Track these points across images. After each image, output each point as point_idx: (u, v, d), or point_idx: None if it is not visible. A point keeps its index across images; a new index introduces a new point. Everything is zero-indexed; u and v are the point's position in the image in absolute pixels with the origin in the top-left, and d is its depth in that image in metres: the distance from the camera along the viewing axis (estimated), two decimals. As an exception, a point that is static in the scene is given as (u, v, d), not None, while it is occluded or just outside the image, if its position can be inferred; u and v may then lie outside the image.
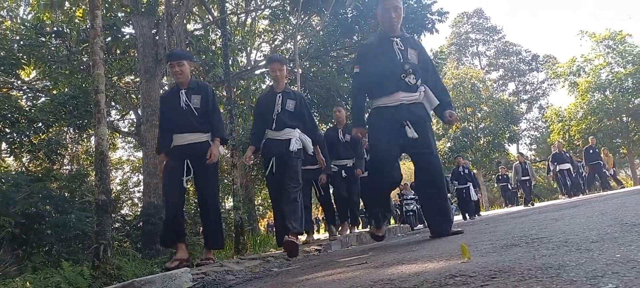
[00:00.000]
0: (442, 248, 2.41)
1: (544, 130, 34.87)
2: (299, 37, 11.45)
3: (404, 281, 1.31)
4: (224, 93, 7.69)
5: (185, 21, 8.08)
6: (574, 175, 12.91)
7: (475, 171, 21.56)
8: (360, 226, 9.79)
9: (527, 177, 13.18)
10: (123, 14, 8.71)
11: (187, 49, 7.89)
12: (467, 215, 11.33)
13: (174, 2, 6.90)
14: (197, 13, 11.08)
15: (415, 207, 13.59)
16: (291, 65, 9.55)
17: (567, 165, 12.88)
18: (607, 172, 13.48)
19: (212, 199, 3.72)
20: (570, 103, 26.02)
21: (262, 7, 12.69)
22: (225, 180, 11.64)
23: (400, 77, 3.19)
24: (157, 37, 7.21)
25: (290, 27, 12.94)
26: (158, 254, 5.34)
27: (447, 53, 39.13)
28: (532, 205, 12.62)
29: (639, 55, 23.06)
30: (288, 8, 11.74)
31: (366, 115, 3.59)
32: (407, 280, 1.33)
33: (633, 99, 22.96)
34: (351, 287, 1.39)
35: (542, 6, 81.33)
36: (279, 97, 4.03)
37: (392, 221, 19.77)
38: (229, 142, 4.37)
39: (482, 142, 28.55)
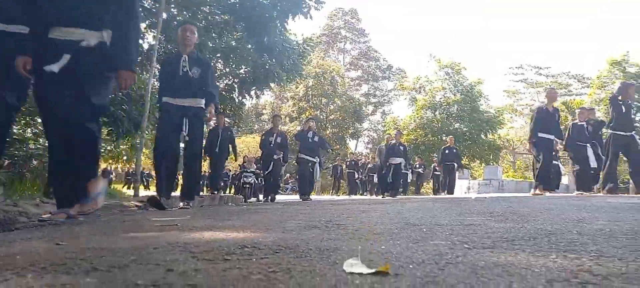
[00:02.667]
0: (257, 220, 2.51)
1: (381, 133, 38.62)
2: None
3: (197, 246, 1.33)
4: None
5: None
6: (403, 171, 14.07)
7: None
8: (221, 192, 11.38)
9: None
10: None
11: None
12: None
13: None
14: None
15: (253, 181, 13.84)
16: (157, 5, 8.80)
17: (399, 160, 13.78)
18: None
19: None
20: (407, 115, 29.32)
21: None
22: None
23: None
24: None
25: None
26: None
27: (317, 42, 40.58)
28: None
29: (468, 87, 27.06)
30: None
31: None
32: (200, 246, 1.35)
33: (454, 123, 26.85)
34: (133, 247, 1.35)
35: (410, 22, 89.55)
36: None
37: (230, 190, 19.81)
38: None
39: (328, 132, 30.34)
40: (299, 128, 29.80)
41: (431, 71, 29.16)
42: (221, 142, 8.62)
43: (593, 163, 8.06)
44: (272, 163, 9.19)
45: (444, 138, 27.03)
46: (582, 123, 8.62)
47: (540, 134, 7.83)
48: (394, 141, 12.39)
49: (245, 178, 12.91)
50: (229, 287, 0.79)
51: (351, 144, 36.23)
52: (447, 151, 14.05)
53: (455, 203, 4.51)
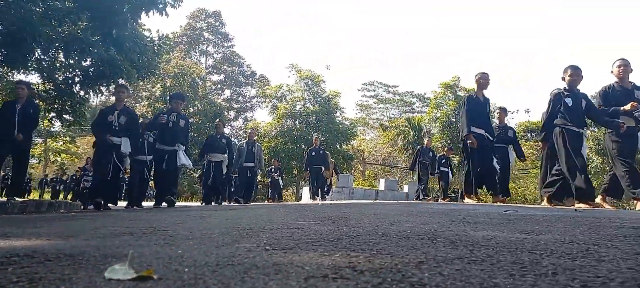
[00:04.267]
0: (70, 228, 2.25)
1: (242, 138, 38.48)
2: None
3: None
4: None
5: None
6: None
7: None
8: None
9: None
10: None
11: None
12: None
13: None
14: None
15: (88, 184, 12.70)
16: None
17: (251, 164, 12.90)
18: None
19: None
20: (268, 122, 29.69)
21: None
22: None
23: None
24: None
25: None
26: None
27: (177, 42, 38.68)
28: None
29: (326, 99, 28.53)
30: None
31: None
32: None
33: (312, 132, 28.06)
34: None
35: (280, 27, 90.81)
36: None
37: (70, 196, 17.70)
38: None
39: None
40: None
41: (292, 80, 30.03)
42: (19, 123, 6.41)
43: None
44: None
45: (302, 146, 27.98)
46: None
47: (473, 129, 6.47)
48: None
49: (85, 183, 11.77)
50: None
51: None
52: (313, 153, 12.40)
53: (299, 209, 4.66)
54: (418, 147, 13.95)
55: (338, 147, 27.73)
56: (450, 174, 13.45)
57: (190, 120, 30.50)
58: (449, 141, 28.33)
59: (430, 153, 12.85)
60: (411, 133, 32.70)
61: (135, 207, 7.05)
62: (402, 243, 1.53)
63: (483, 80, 6.78)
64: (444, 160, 13.15)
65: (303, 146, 28.28)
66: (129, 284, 0.78)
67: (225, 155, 9.56)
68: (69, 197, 17.32)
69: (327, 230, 2.10)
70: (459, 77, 29.45)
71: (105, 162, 6.23)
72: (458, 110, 8.57)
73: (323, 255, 1.20)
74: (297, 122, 28.39)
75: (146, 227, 2.23)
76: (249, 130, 12.61)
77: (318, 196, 12.27)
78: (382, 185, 19.59)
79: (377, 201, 12.82)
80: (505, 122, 8.90)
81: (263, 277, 0.85)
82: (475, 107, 6.63)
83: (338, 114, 29.67)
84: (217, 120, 9.18)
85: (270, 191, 17.50)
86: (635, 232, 1.98)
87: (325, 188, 13.45)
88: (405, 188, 19.95)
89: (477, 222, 2.80)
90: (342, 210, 4.32)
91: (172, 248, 1.36)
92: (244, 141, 10.88)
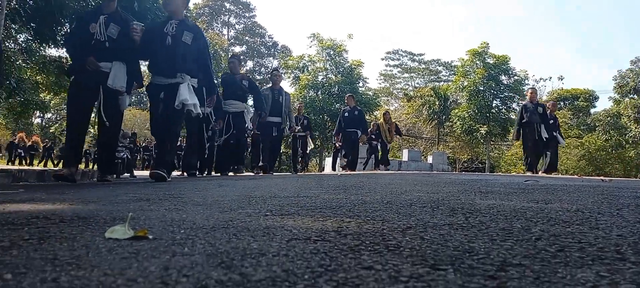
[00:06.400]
0: (92, 195, 2.38)
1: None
2: None
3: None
4: None
5: None
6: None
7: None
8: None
9: None
10: None
11: None
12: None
13: None
14: None
15: (125, 155, 13.03)
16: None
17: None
18: None
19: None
20: (290, 93, 29.76)
21: None
22: None
23: None
24: None
25: None
26: None
27: (200, 13, 38.80)
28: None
29: (348, 69, 28.32)
30: None
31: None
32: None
33: (335, 103, 27.98)
34: None
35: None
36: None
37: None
38: None
39: (211, 108, 29.51)
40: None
41: (314, 51, 29.77)
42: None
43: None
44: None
45: (325, 117, 27.94)
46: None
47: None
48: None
49: (117, 153, 12.07)
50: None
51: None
52: (346, 114, 10.29)
53: (319, 179, 4.74)
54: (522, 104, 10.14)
55: (361, 117, 27.62)
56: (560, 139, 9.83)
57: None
58: (476, 111, 27.83)
59: (540, 109, 9.16)
60: (436, 103, 32.22)
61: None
62: (402, 211, 1.57)
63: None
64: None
65: (326, 117, 28.29)
66: (124, 243, 0.85)
67: (247, 104, 7.13)
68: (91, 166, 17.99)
69: (334, 199, 2.15)
70: (487, 44, 28.58)
71: (78, 119, 4.12)
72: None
73: (317, 220, 1.26)
74: (319, 92, 28.33)
75: (164, 194, 2.34)
76: (273, 72, 9.05)
77: (338, 165, 10.70)
78: (405, 155, 19.51)
79: (399, 172, 12.79)
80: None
81: (249, 238, 0.91)
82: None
83: (361, 84, 29.42)
84: (231, 54, 5.94)
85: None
86: (646, 201, 1.96)
87: (378, 158, 12.26)
88: (430, 159, 19.85)
89: (491, 191, 2.81)
90: (359, 179, 4.37)
91: (178, 213, 1.44)
92: (268, 87, 8.26)
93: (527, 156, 9.17)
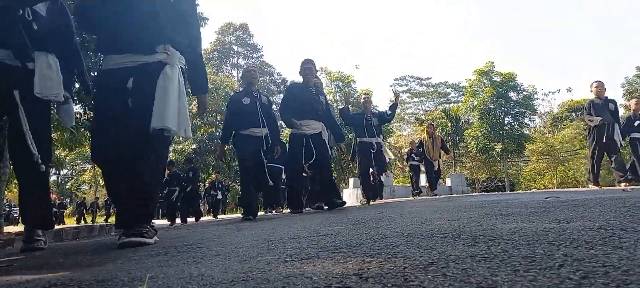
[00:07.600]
0: (107, 252, 2.40)
1: (279, 147, 38.93)
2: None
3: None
4: None
5: None
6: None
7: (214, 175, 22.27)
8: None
9: None
10: None
11: None
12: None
13: None
14: None
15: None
16: None
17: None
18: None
19: None
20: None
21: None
22: None
23: None
24: None
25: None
26: None
27: (209, 58, 39.76)
28: None
29: (357, 99, 28.51)
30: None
31: None
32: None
33: (349, 133, 28.06)
34: None
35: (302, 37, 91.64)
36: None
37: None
38: None
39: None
40: (193, 147, 29.03)
41: (323, 83, 30.07)
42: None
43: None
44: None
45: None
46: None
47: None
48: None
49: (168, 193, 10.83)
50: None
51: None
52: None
53: (338, 213, 4.71)
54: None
55: (374, 145, 27.57)
56: None
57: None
58: (489, 129, 27.63)
59: (611, 106, 8.15)
60: (449, 124, 32.10)
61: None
62: (422, 244, 1.56)
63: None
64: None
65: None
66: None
67: (265, 129, 5.41)
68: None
69: (354, 235, 2.14)
70: (492, 63, 28.68)
71: None
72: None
73: (338, 263, 1.25)
74: (331, 124, 28.47)
75: (182, 245, 2.35)
76: (304, 65, 5.85)
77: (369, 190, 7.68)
78: (423, 180, 19.28)
79: (418, 198, 12.64)
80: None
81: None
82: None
83: (372, 112, 29.48)
84: (245, 67, 4.99)
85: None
86: (671, 213, 1.92)
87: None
88: (448, 182, 19.57)
89: (511, 213, 2.76)
90: (379, 211, 4.34)
91: (197, 266, 1.45)
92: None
93: (593, 164, 7.63)
